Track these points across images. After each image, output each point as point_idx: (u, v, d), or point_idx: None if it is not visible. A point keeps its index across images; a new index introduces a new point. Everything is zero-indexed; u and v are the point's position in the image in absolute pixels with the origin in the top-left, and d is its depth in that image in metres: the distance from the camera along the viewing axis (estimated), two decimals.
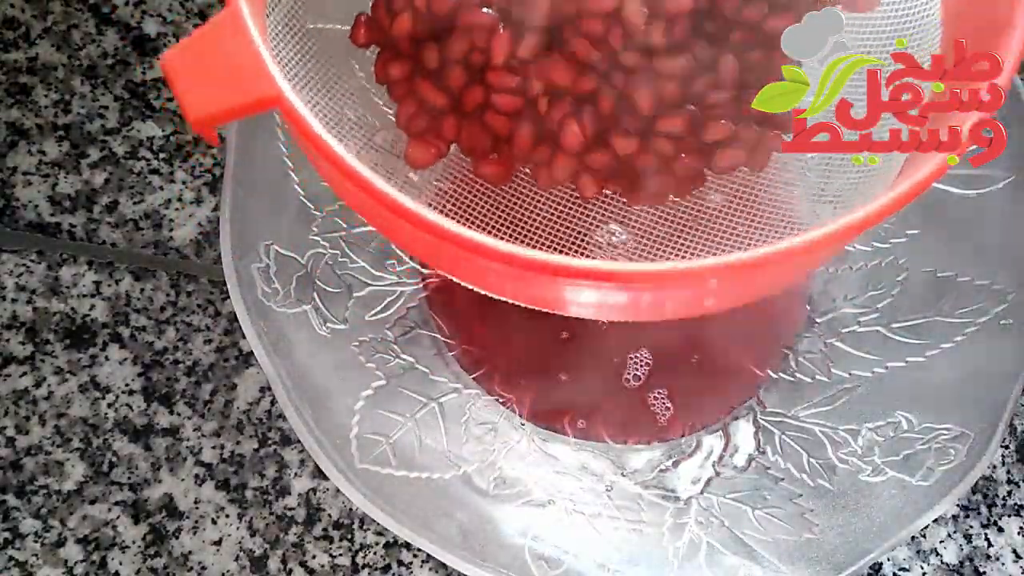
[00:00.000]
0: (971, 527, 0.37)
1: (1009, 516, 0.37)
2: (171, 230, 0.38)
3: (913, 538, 0.37)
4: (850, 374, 0.36)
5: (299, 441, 0.34)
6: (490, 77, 0.28)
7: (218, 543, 0.35)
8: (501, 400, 0.35)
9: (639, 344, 0.36)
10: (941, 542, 0.37)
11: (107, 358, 0.37)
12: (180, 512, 0.35)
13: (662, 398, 0.36)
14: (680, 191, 0.29)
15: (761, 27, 0.28)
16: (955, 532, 0.37)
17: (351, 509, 0.36)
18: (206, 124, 0.21)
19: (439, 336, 0.36)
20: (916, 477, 0.33)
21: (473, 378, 0.36)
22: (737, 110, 0.28)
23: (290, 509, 0.36)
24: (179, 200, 0.39)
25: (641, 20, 0.27)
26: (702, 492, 0.35)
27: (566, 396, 0.36)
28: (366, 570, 0.35)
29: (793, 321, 0.37)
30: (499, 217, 0.30)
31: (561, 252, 0.29)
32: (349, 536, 0.35)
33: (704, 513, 0.34)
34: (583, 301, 0.26)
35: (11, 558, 0.34)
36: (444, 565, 0.35)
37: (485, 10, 0.28)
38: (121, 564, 0.35)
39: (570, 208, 0.30)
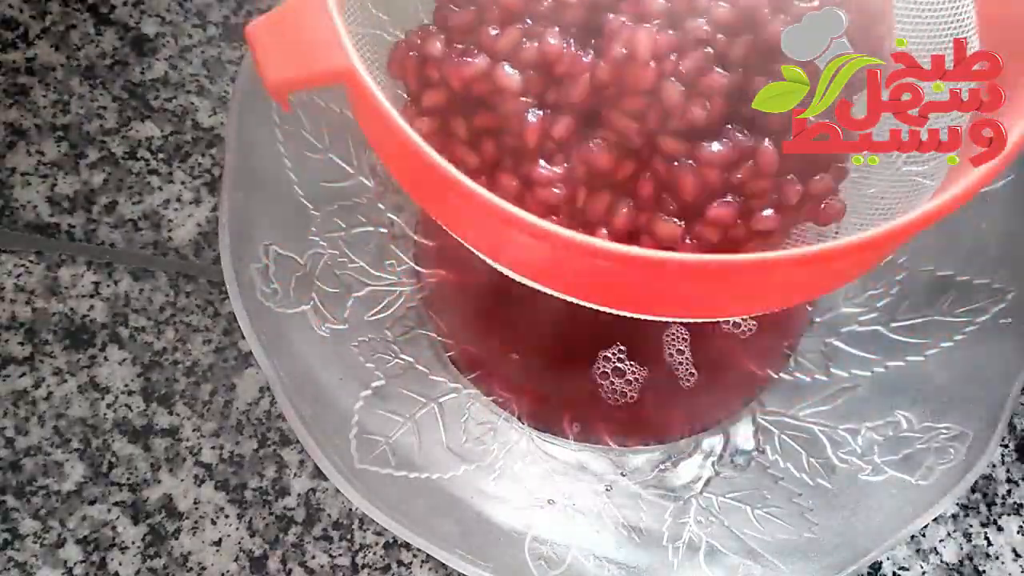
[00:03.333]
0: (971, 526, 0.37)
1: (1008, 515, 0.37)
2: (170, 230, 0.38)
3: (913, 537, 0.37)
4: (850, 373, 0.36)
5: (298, 441, 0.34)
6: (526, 170, 0.27)
7: (218, 543, 0.35)
8: (499, 401, 0.35)
9: None
10: (941, 541, 0.37)
11: (106, 359, 0.37)
12: (179, 512, 0.35)
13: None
14: None
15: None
16: (955, 531, 0.37)
17: (351, 509, 0.36)
18: (281, 89, 0.23)
19: (437, 336, 0.36)
20: (916, 476, 0.33)
21: (470, 379, 0.36)
22: (778, 196, 0.27)
23: (290, 509, 0.36)
24: (178, 200, 0.39)
25: (680, 98, 0.26)
26: (702, 492, 0.35)
27: (565, 398, 0.36)
28: (366, 570, 0.35)
29: (795, 322, 0.37)
30: None
31: None
32: (349, 536, 0.35)
33: (704, 512, 0.34)
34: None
35: (11, 559, 0.34)
36: (444, 565, 0.35)
37: (515, 85, 0.27)
38: (121, 564, 0.35)
39: None
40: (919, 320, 0.36)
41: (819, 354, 0.36)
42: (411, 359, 0.35)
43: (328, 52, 0.22)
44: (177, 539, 0.35)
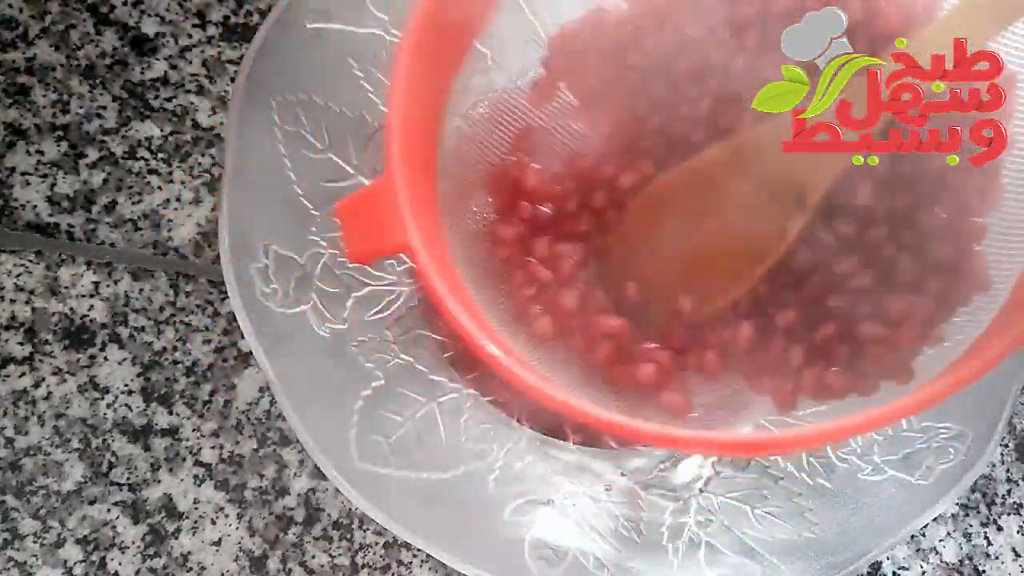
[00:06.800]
0: (970, 526, 0.37)
1: (1008, 515, 0.37)
2: (170, 230, 0.38)
3: (913, 537, 0.37)
4: None
5: (298, 441, 0.34)
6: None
7: (217, 543, 0.35)
8: (499, 401, 0.35)
9: None
10: (940, 541, 0.37)
11: (106, 358, 0.37)
12: (179, 512, 0.35)
13: None
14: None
15: None
16: (955, 531, 0.37)
17: (350, 509, 0.36)
18: (363, 259, 0.28)
19: (437, 336, 0.36)
20: (915, 476, 0.33)
21: (470, 379, 0.36)
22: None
23: (289, 509, 0.36)
24: (178, 200, 0.39)
25: None
26: (702, 491, 0.35)
27: None
28: (365, 570, 0.35)
29: None
30: None
31: None
32: (348, 536, 0.35)
33: (704, 512, 0.34)
34: None
35: (10, 558, 0.34)
36: (443, 565, 0.35)
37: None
38: (120, 564, 0.35)
39: None
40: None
41: None
42: (411, 359, 0.35)
43: (395, 232, 0.25)
44: (177, 539, 0.35)
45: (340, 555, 0.35)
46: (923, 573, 0.36)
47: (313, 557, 0.35)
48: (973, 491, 0.37)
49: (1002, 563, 0.37)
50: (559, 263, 0.32)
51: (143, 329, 0.37)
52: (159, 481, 0.36)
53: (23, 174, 0.38)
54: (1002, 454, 0.38)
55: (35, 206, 0.38)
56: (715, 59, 0.31)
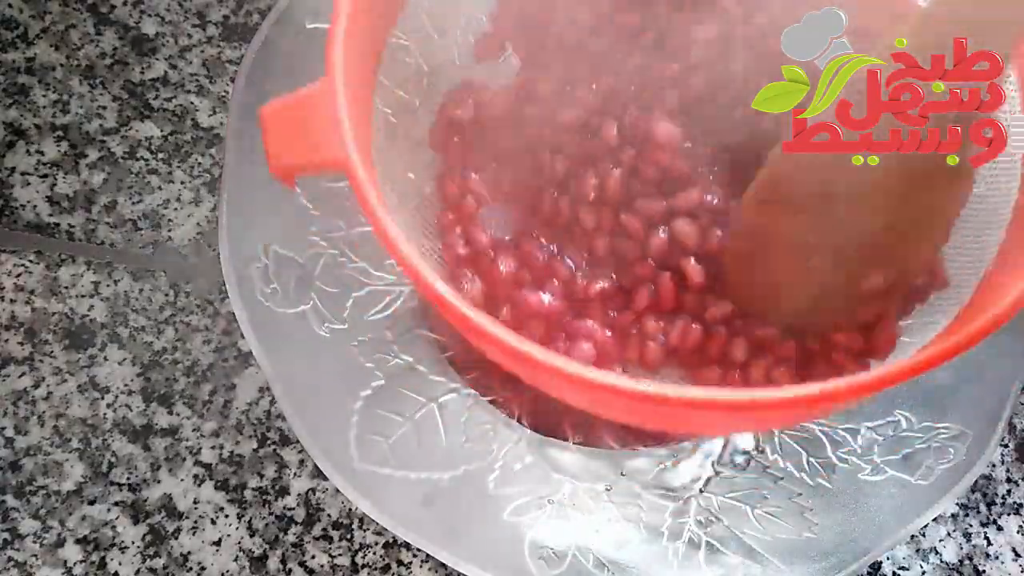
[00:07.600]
0: (970, 526, 0.37)
1: (1008, 515, 0.37)
2: (170, 230, 0.38)
3: (912, 537, 0.37)
4: None
5: (298, 441, 0.34)
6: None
7: (217, 543, 0.35)
8: (499, 401, 0.35)
9: None
10: (940, 541, 0.37)
11: (106, 358, 0.37)
12: (179, 512, 0.35)
13: None
14: None
15: None
16: (954, 531, 0.37)
17: (350, 509, 0.36)
18: (286, 173, 0.24)
19: (436, 336, 0.36)
20: (915, 476, 0.33)
21: (469, 379, 0.36)
22: None
23: (289, 509, 0.36)
24: (178, 200, 0.39)
25: None
26: (702, 491, 0.35)
27: (564, 403, 0.36)
28: (365, 570, 0.35)
29: None
30: None
31: None
32: (348, 536, 0.35)
33: (704, 512, 0.34)
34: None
35: (10, 558, 0.34)
36: (443, 565, 0.35)
37: None
38: (120, 564, 0.35)
39: None
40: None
41: None
42: (411, 359, 0.35)
43: (332, 143, 0.23)
44: (177, 539, 0.35)
45: (340, 555, 0.35)
46: (923, 573, 0.36)
47: (313, 557, 0.35)
48: (973, 491, 0.37)
49: (1002, 563, 0.37)
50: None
51: (143, 329, 0.37)
52: (159, 481, 0.36)
53: (23, 174, 0.38)
54: (1002, 454, 0.38)
55: (35, 206, 0.38)
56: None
